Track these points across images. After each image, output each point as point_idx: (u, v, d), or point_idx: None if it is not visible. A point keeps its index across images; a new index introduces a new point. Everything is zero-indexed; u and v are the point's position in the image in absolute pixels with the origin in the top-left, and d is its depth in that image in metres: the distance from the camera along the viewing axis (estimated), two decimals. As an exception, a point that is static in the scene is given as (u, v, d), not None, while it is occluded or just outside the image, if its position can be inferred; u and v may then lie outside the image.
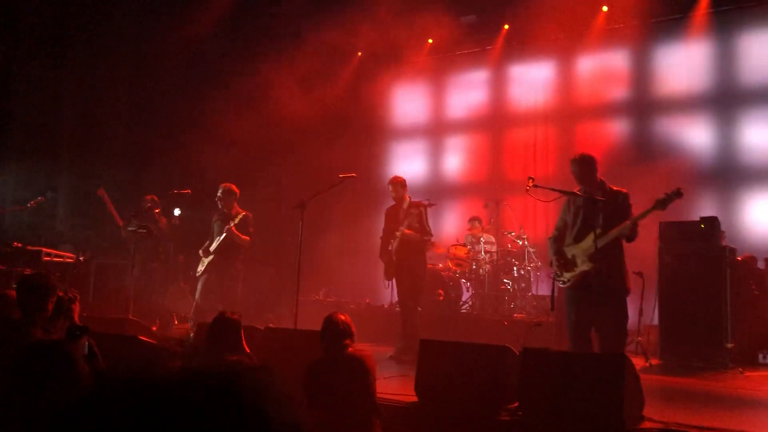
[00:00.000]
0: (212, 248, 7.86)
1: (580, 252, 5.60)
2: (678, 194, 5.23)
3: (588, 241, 5.51)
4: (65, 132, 12.29)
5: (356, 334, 4.27)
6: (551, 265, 5.96)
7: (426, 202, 7.63)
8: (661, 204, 5.31)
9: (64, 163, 12.25)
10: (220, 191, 8.01)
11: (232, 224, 7.74)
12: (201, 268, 7.96)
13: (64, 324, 3.78)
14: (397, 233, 7.43)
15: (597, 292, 5.40)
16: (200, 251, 8.04)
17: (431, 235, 7.66)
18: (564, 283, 5.70)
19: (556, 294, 5.84)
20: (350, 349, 4.13)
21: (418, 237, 7.46)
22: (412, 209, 7.49)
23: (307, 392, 4.12)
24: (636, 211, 5.52)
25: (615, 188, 5.70)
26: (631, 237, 5.48)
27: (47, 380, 2.36)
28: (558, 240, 5.87)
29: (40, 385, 2.35)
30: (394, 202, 7.79)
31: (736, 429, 4.29)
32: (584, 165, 5.71)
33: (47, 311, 4.01)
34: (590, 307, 5.48)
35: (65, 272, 8.58)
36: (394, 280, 7.72)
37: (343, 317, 4.23)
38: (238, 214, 7.90)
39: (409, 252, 7.46)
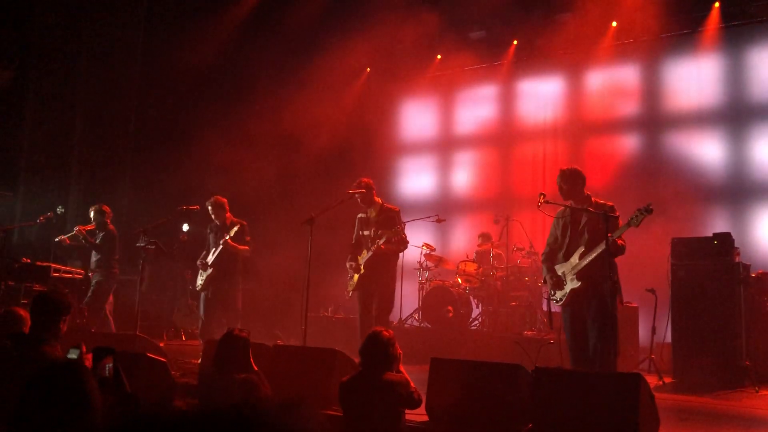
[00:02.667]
0: (209, 261, 7.78)
1: (569, 270, 5.59)
2: (648, 210, 5.20)
3: (575, 259, 5.51)
4: (75, 148, 12.34)
5: (399, 354, 4.18)
6: (544, 282, 5.99)
7: (396, 216, 7.12)
8: (634, 221, 5.26)
9: (73, 179, 12.29)
10: (209, 207, 7.87)
11: (227, 236, 7.62)
12: (200, 282, 7.88)
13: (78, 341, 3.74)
14: (373, 247, 6.83)
15: (587, 310, 5.40)
16: (198, 263, 7.94)
17: (406, 243, 6.89)
18: (557, 301, 5.72)
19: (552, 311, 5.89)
20: (386, 374, 4.05)
21: (393, 249, 6.89)
22: (384, 215, 7.04)
23: (341, 405, 4.19)
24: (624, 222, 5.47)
25: (600, 201, 5.69)
26: (615, 253, 5.40)
27: (55, 401, 2.31)
28: (550, 257, 5.89)
29: (47, 406, 2.30)
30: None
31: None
32: (574, 179, 5.71)
33: (59, 329, 4.01)
34: (583, 325, 5.49)
35: (74, 288, 8.58)
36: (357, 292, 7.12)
37: (386, 337, 4.11)
38: (233, 224, 7.72)
39: (381, 263, 6.94)
